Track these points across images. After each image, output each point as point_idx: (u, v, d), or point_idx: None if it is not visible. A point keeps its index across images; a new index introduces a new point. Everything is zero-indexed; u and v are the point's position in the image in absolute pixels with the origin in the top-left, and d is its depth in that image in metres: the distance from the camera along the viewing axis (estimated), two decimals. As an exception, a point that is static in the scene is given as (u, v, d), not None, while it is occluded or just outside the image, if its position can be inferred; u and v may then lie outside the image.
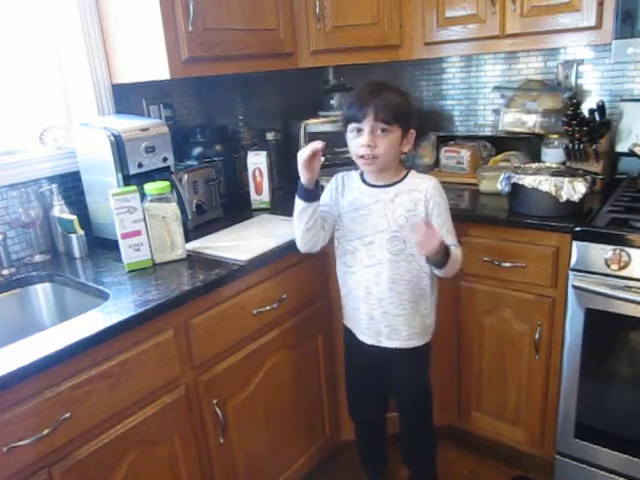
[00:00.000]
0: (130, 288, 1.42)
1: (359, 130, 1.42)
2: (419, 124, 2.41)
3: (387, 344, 1.56)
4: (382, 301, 1.52)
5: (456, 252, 1.47)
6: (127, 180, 1.65)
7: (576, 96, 2.11)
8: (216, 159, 2.05)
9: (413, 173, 1.53)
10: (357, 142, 1.43)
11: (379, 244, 1.49)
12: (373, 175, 1.52)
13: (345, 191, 1.57)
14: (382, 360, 1.60)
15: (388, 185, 1.50)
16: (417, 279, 1.52)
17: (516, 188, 1.73)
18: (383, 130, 1.41)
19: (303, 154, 1.42)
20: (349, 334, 1.66)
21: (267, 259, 1.60)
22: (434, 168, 2.38)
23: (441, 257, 1.42)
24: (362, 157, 1.44)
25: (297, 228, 1.53)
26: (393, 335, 1.55)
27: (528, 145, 2.21)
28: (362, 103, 1.40)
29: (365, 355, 1.62)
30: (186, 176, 1.86)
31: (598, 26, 1.76)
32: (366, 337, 1.59)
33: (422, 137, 2.41)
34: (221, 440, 1.52)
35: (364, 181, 1.54)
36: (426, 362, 1.64)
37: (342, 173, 1.61)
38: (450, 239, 1.49)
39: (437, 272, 1.50)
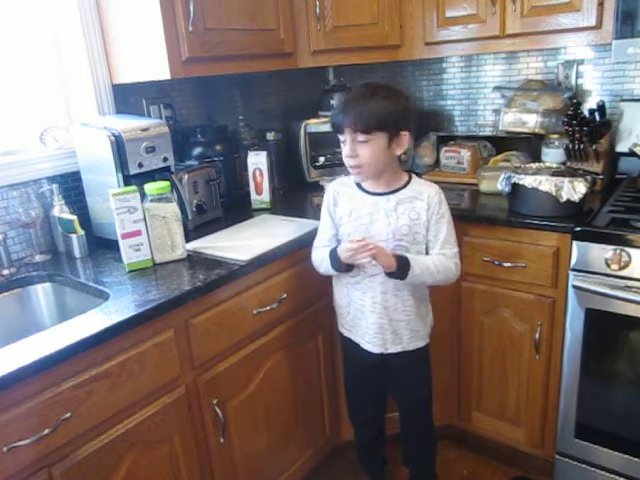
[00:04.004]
0: (130, 288, 1.42)
1: (343, 140, 1.43)
2: (420, 124, 2.43)
3: (391, 350, 1.56)
4: (388, 309, 1.52)
5: (439, 261, 1.46)
6: (127, 180, 1.65)
7: (576, 96, 2.12)
8: (216, 159, 2.04)
9: (415, 179, 1.51)
10: (343, 152, 1.45)
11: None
12: (371, 182, 1.50)
13: (340, 200, 1.55)
14: (385, 365, 1.59)
15: (390, 192, 1.49)
16: (419, 284, 1.53)
17: (516, 188, 1.73)
18: (363, 140, 1.40)
19: (362, 258, 1.41)
20: (348, 343, 1.65)
21: (267, 259, 1.60)
22: (434, 168, 2.38)
23: (396, 271, 1.42)
24: (350, 166, 1.45)
25: (323, 272, 1.60)
26: (397, 340, 1.56)
27: (528, 145, 2.21)
28: (341, 114, 1.40)
29: (367, 362, 1.61)
30: (186, 176, 1.86)
31: (598, 26, 1.76)
32: (373, 346, 1.57)
33: (422, 137, 2.41)
34: (221, 440, 1.52)
35: (362, 189, 1.52)
36: (427, 362, 1.65)
37: (333, 184, 1.60)
38: (440, 247, 1.47)
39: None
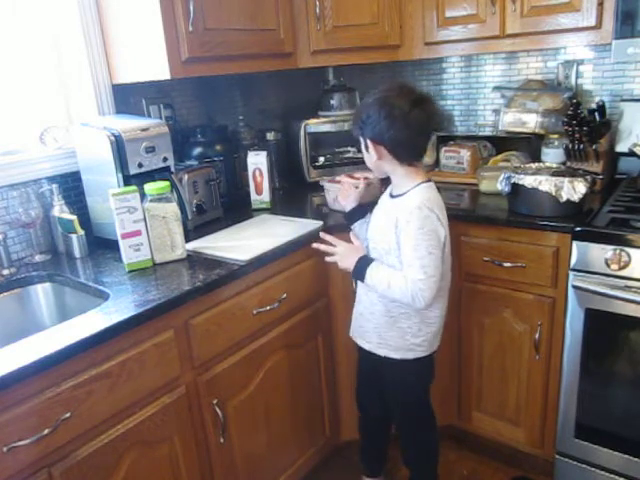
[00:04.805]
0: (130, 288, 1.42)
1: None
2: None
3: (360, 343, 1.63)
4: (359, 303, 1.61)
5: (397, 279, 1.40)
6: (127, 180, 1.65)
7: (576, 96, 2.12)
8: (216, 159, 2.04)
9: (417, 190, 1.44)
10: None
11: (368, 251, 1.54)
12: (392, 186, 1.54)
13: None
14: (374, 360, 1.61)
15: (395, 196, 1.50)
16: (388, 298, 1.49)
17: (516, 188, 1.73)
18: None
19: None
20: None
21: (267, 259, 1.60)
22: (434, 168, 2.38)
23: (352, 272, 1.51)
24: None
25: None
26: (365, 336, 1.60)
27: (528, 145, 2.21)
28: None
29: (367, 359, 1.65)
30: (186, 176, 1.86)
31: (598, 26, 1.76)
32: (351, 330, 1.69)
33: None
34: (221, 440, 1.52)
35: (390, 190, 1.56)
36: (411, 378, 1.61)
37: None
38: (406, 267, 1.40)
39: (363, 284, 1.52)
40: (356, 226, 1.66)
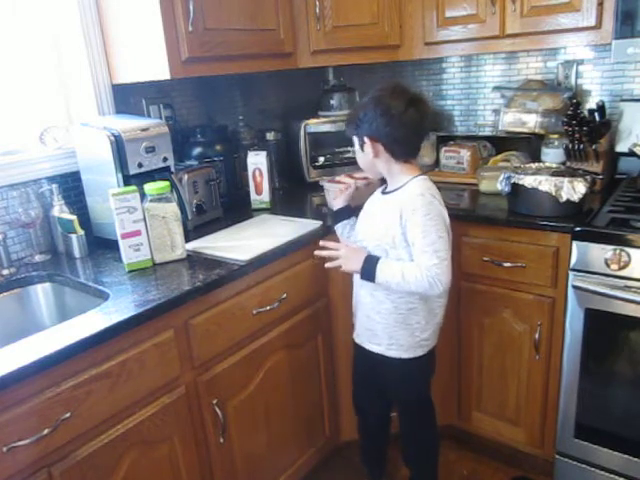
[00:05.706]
0: (130, 288, 1.42)
1: None
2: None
3: (368, 347, 1.60)
4: (364, 305, 1.57)
5: (410, 270, 1.38)
6: (127, 180, 1.65)
7: (576, 96, 2.12)
8: (216, 159, 2.05)
9: (414, 182, 1.45)
10: None
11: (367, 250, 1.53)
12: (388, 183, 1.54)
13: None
14: (374, 362, 1.60)
15: (389, 192, 1.50)
16: (402, 292, 1.47)
17: (516, 188, 1.73)
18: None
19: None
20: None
21: (267, 259, 1.60)
22: (434, 168, 2.38)
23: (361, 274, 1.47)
24: None
25: None
26: (373, 339, 1.58)
27: (528, 145, 2.21)
28: None
29: (360, 351, 1.65)
30: (186, 176, 1.86)
31: (598, 26, 1.76)
32: (355, 335, 1.66)
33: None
34: (221, 440, 1.52)
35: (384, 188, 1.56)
36: (417, 374, 1.61)
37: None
38: (417, 255, 1.39)
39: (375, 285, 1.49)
40: (339, 227, 1.67)
